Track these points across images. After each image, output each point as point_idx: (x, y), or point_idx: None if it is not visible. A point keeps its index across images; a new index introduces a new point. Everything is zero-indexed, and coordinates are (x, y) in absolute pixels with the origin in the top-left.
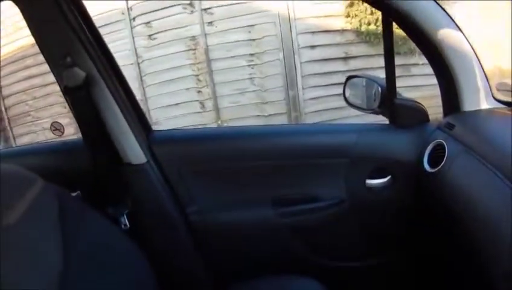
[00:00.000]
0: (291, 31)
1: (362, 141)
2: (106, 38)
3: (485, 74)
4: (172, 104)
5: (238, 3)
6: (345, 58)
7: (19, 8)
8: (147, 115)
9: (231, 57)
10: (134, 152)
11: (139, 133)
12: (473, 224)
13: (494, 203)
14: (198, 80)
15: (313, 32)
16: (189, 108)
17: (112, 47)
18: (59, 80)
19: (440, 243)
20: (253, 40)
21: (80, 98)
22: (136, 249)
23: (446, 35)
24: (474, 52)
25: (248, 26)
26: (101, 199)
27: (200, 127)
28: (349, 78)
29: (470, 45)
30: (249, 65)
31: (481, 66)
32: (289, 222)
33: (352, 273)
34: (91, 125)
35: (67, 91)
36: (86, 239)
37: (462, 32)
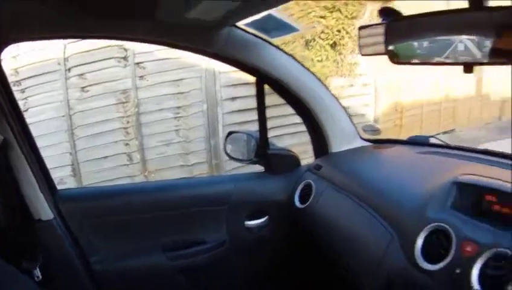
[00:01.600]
0: (215, 84)
1: (239, 188)
2: (40, 89)
3: (350, 118)
4: (101, 157)
5: (169, 59)
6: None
7: None
8: (76, 169)
9: (159, 110)
10: (43, 209)
11: (46, 192)
12: (339, 249)
13: (360, 230)
14: (127, 132)
15: (234, 85)
16: (117, 161)
17: (45, 97)
18: None
19: (317, 271)
20: (181, 93)
21: None
22: None
23: (310, 90)
24: (338, 100)
25: (177, 80)
26: (15, 254)
27: (126, 179)
28: (229, 133)
29: (332, 94)
30: (175, 117)
31: (346, 112)
32: (179, 265)
33: None
34: (6, 185)
35: None
36: None
37: (325, 85)
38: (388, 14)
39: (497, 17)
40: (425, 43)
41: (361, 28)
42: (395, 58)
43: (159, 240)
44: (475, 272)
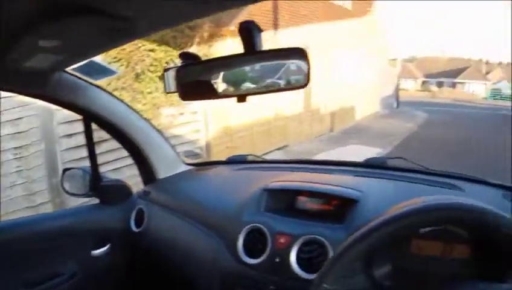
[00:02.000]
0: (52, 121)
1: (80, 221)
2: None
3: (172, 147)
4: None
5: (9, 97)
6: (98, 142)
7: None
8: None
9: (1, 151)
10: None
11: None
12: (178, 266)
13: (191, 245)
14: None
15: (70, 122)
16: None
17: None
18: None
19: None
20: (21, 132)
21: None
22: None
23: (133, 125)
24: (160, 132)
25: (17, 119)
26: None
27: None
28: (65, 170)
29: (154, 127)
30: (15, 158)
31: (167, 142)
32: None
33: None
34: None
35: None
36: None
37: (147, 120)
38: (187, 58)
39: (267, 57)
40: (258, 66)
41: (165, 69)
42: (186, 95)
43: (18, 277)
44: (292, 258)
